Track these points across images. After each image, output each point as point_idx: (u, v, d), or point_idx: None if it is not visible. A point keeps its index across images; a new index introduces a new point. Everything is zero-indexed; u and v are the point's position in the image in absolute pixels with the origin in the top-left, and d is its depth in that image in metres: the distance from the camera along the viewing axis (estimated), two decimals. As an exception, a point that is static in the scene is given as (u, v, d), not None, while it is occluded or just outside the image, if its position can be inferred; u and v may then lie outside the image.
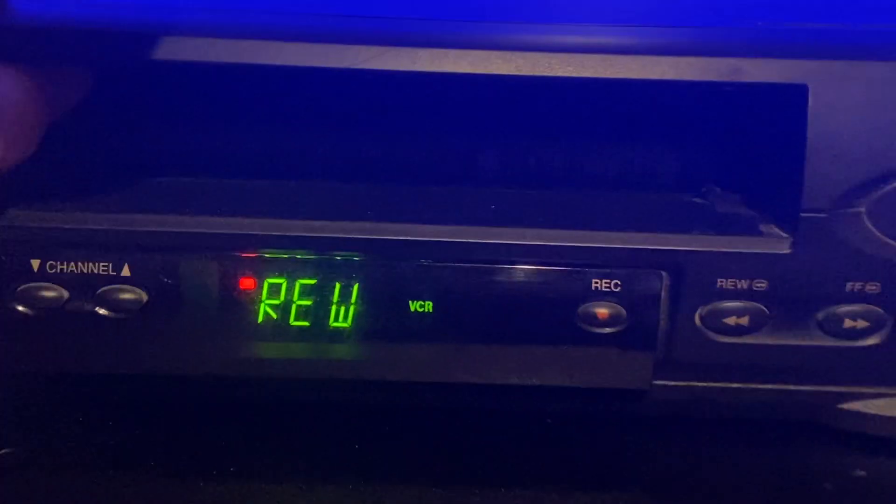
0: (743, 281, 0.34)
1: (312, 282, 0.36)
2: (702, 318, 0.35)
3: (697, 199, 0.39)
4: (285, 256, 0.35)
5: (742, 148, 0.39)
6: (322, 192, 0.38)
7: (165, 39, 0.32)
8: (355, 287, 0.36)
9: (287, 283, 0.35)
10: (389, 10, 0.35)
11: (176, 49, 0.32)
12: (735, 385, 0.37)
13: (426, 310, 0.36)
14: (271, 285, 0.35)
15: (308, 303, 0.36)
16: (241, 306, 0.35)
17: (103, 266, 0.34)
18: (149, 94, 0.38)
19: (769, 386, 0.37)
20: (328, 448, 0.37)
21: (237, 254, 0.35)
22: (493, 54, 0.33)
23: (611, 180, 0.40)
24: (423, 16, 0.35)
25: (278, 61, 0.32)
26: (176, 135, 0.40)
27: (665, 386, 0.37)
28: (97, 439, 0.37)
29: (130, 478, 0.35)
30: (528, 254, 0.34)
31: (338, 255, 0.35)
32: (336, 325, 0.36)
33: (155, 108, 0.39)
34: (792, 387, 0.37)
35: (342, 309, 0.36)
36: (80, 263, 0.34)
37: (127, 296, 0.34)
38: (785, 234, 0.34)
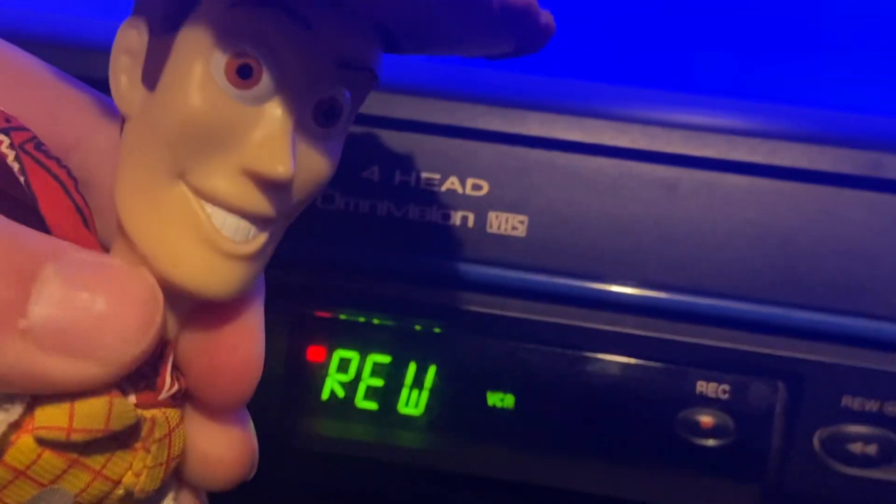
0: (873, 402, 0.30)
1: (386, 359, 0.33)
2: (822, 443, 0.30)
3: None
4: (361, 320, 0.32)
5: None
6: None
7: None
8: (432, 369, 0.33)
9: (358, 359, 0.33)
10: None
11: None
12: (856, 531, 0.32)
13: (506, 405, 0.32)
14: (342, 359, 0.33)
15: (379, 383, 0.33)
16: (308, 377, 0.33)
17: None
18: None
19: (898, 537, 0.32)
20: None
21: (310, 311, 0.32)
22: (608, 124, 0.30)
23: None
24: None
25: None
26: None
27: (772, 521, 0.32)
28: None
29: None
30: (627, 344, 0.31)
31: (417, 325, 0.32)
32: (406, 411, 0.33)
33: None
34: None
35: (414, 393, 0.33)
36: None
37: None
38: (925, 354, 0.30)
